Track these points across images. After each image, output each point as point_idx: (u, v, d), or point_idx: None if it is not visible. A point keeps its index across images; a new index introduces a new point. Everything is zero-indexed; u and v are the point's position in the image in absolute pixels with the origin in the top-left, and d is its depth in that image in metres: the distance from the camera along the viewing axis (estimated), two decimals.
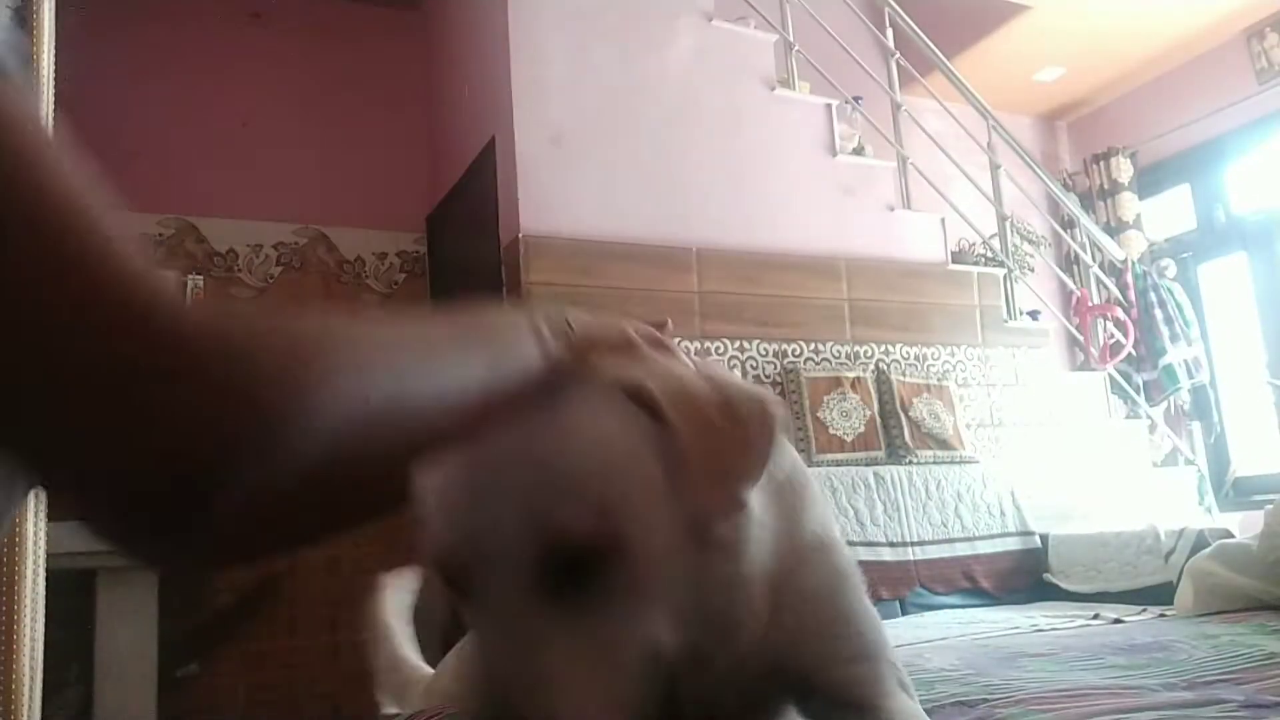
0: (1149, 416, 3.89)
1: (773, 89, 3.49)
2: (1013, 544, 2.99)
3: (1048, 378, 3.69)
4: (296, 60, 3.85)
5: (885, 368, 3.29)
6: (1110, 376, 3.83)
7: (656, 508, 0.58)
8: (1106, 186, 5.09)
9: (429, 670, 1.22)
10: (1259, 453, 4.48)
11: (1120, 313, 3.92)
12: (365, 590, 1.27)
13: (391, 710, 1.22)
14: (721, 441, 0.60)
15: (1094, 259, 4.26)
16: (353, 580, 1.78)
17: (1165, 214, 5.07)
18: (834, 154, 3.54)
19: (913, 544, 2.85)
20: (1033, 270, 4.24)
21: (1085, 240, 4.30)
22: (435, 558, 0.58)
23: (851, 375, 3.19)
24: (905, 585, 2.77)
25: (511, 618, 0.54)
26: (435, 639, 1.29)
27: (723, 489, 0.60)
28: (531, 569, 0.54)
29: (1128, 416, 3.89)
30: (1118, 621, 2.21)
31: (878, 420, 3.15)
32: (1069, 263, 4.83)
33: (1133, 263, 4.11)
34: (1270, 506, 1.93)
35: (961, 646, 1.85)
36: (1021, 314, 3.82)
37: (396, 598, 1.27)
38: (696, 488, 0.58)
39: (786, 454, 0.75)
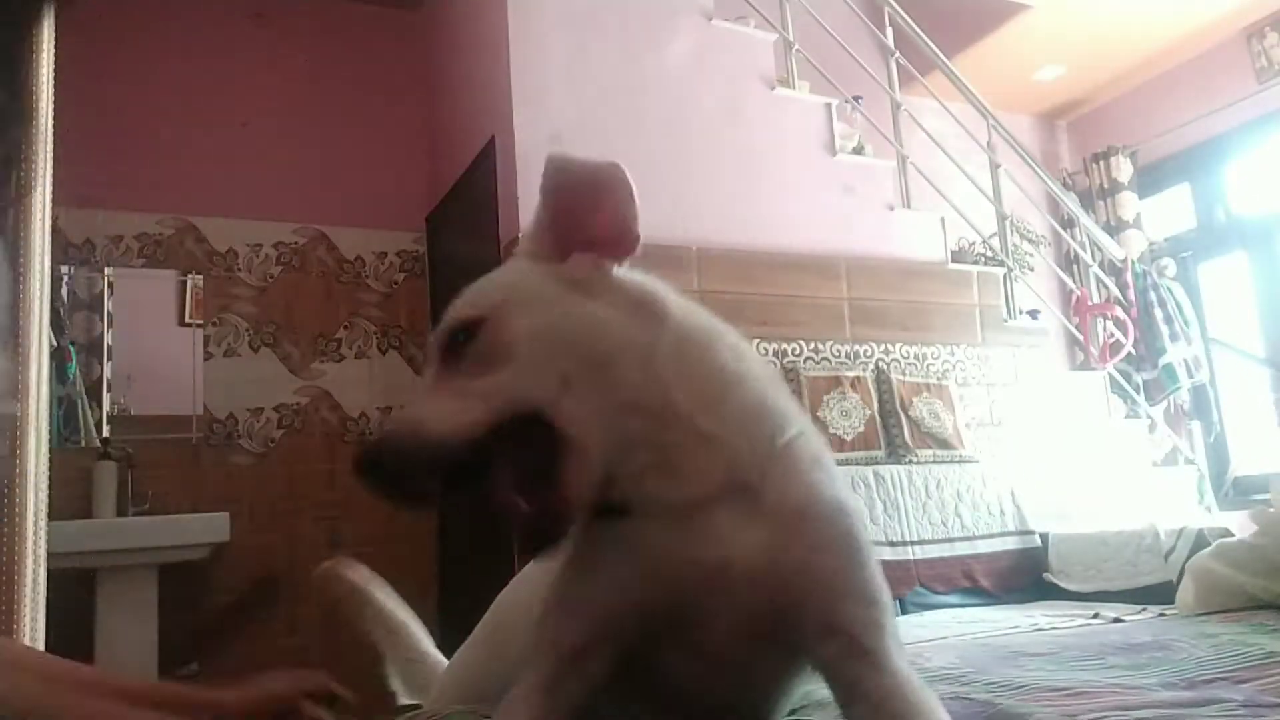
0: (1149, 416, 3.89)
1: (772, 88, 3.49)
2: (1012, 543, 3.00)
3: (1047, 377, 3.69)
4: (297, 60, 3.85)
5: (885, 367, 3.29)
6: (1110, 376, 3.83)
7: (519, 298, 0.82)
8: (1106, 186, 5.09)
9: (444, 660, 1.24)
10: (1259, 452, 4.48)
11: (1120, 312, 3.92)
12: (333, 581, 1.29)
13: (408, 701, 1.24)
14: (581, 205, 0.87)
15: (1094, 258, 4.26)
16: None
17: (1165, 213, 5.07)
18: (834, 153, 3.54)
19: (913, 543, 2.85)
20: (1032, 269, 4.24)
21: (1085, 239, 4.30)
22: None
23: (851, 374, 3.19)
24: (905, 584, 2.77)
25: (428, 380, 0.80)
26: None
27: (577, 234, 0.85)
28: (440, 350, 0.80)
29: (1127, 416, 3.89)
30: (1117, 620, 2.21)
31: (878, 419, 3.15)
32: (1069, 262, 4.83)
33: (1132, 262, 4.11)
34: (1253, 511, 1.94)
35: (961, 646, 1.85)
36: (1021, 313, 3.83)
37: (379, 588, 1.30)
38: (558, 242, 0.86)
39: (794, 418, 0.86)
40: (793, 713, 1.00)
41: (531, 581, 1.02)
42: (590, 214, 0.86)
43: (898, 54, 3.86)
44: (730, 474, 0.80)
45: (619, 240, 0.84)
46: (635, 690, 0.84)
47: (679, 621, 0.79)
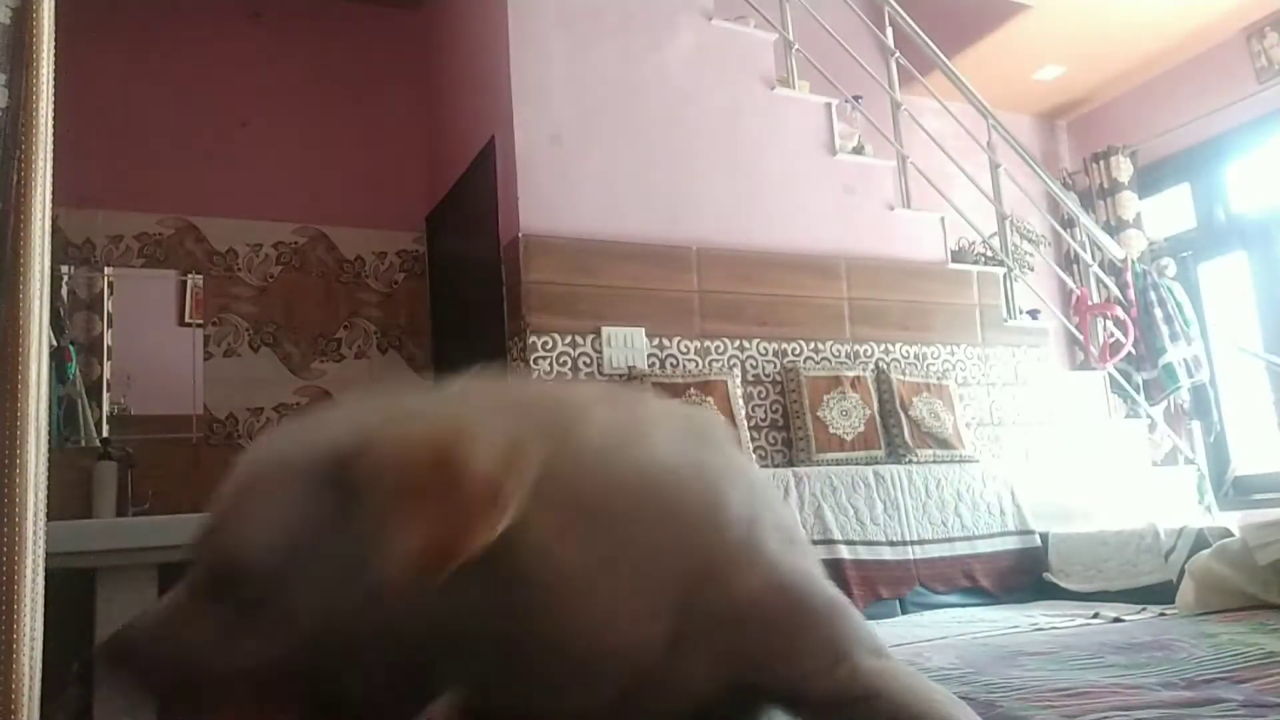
0: (1149, 415, 3.89)
1: (772, 88, 3.49)
2: (1012, 543, 2.99)
3: (1047, 377, 3.69)
4: (296, 60, 3.85)
5: (885, 367, 3.29)
6: (1110, 375, 3.83)
7: (298, 559, 0.69)
8: (1106, 185, 5.09)
9: None
10: (1259, 452, 4.48)
11: (1120, 312, 3.92)
12: None
13: None
14: (424, 516, 0.64)
15: (1094, 258, 4.26)
16: None
17: (1165, 213, 5.07)
18: (834, 153, 3.54)
19: (912, 543, 2.85)
20: (1032, 269, 4.23)
21: (1085, 239, 4.30)
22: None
23: (851, 374, 3.19)
24: (905, 584, 2.77)
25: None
26: None
27: (411, 560, 0.64)
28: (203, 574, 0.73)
29: (1127, 415, 3.89)
30: (1117, 620, 2.21)
31: (877, 419, 3.15)
32: (1069, 262, 4.83)
33: (1132, 262, 4.11)
34: (1243, 524, 1.94)
35: (961, 645, 1.85)
36: (1021, 313, 3.82)
37: None
38: (388, 556, 0.64)
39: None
40: None
41: None
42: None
43: (898, 54, 3.86)
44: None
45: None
46: None
47: None
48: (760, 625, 0.76)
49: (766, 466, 2.98)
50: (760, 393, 3.13)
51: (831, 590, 0.84)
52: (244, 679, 0.69)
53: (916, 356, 3.40)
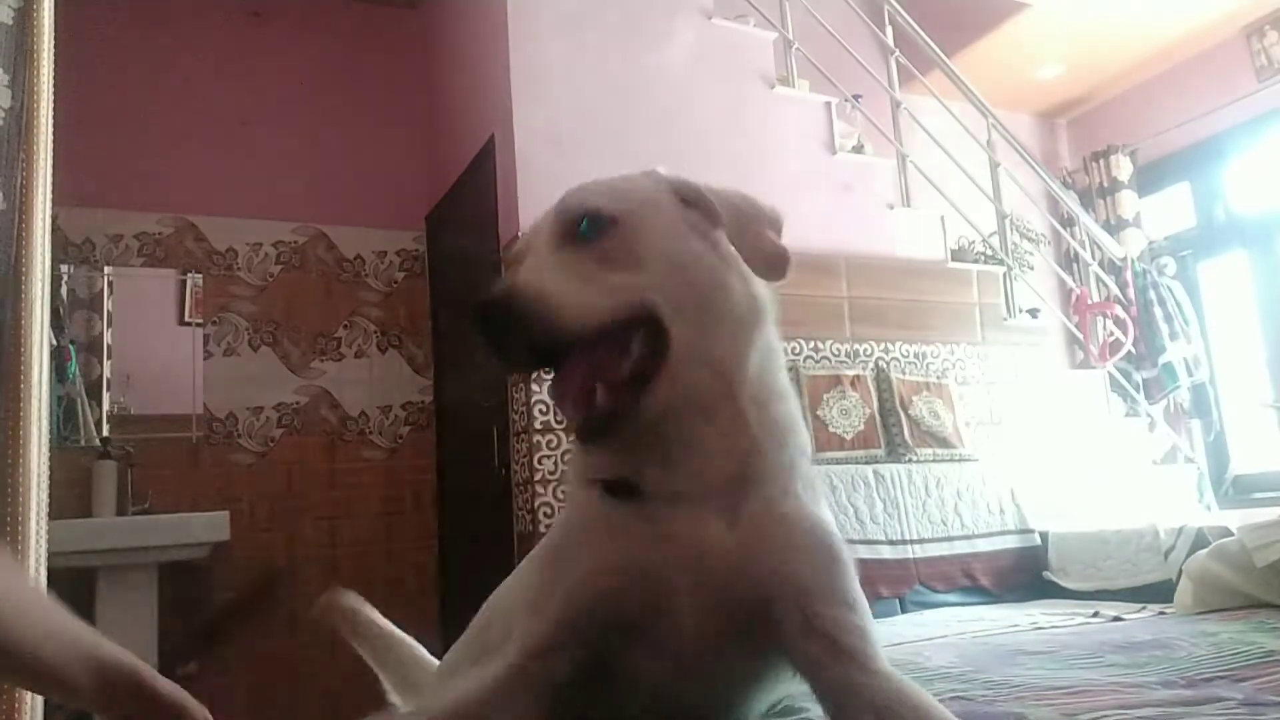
0: (1148, 414, 3.89)
1: (772, 87, 3.49)
2: (1012, 542, 2.99)
3: (1047, 375, 3.69)
4: (296, 59, 3.85)
5: (885, 366, 3.29)
6: (1110, 374, 3.83)
7: (652, 214, 0.86)
8: (1106, 184, 5.09)
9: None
10: (1258, 450, 4.48)
11: (1120, 311, 3.92)
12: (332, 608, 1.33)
13: (407, 709, 1.24)
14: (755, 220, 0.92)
15: (1093, 257, 4.26)
16: (352, 580, 1.79)
17: (1165, 212, 5.07)
18: (833, 152, 3.54)
19: (912, 542, 2.85)
20: (1032, 268, 4.24)
21: (1085, 238, 4.30)
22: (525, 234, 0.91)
23: (851, 373, 3.19)
24: (905, 583, 2.77)
25: (538, 253, 0.84)
26: None
27: (751, 236, 0.91)
28: (557, 227, 0.85)
29: (1127, 414, 3.89)
30: (1117, 619, 2.21)
31: (877, 418, 3.15)
32: (1068, 261, 4.83)
33: (1132, 261, 4.12)
34: (1242, 526, 1.94)
35: (961, 644, 1.86)
36: (1021, 312, 3.82)
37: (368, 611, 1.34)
38: (739, 237, 0.90)
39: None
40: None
41: (522, 578, 1.02)
42: (759, 227, 0.93)
43: (897, 52, 3.86)
44: (737, 476, 0.82)
45: (772, 261, 0.92)
46: (603, 691, 0.84)
47: (648, 615, 0.80)
48: (803, 551, 0.83)
49: None
50: None
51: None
52: (599, 327, 0.78)
53: (916, 355, 3.40)
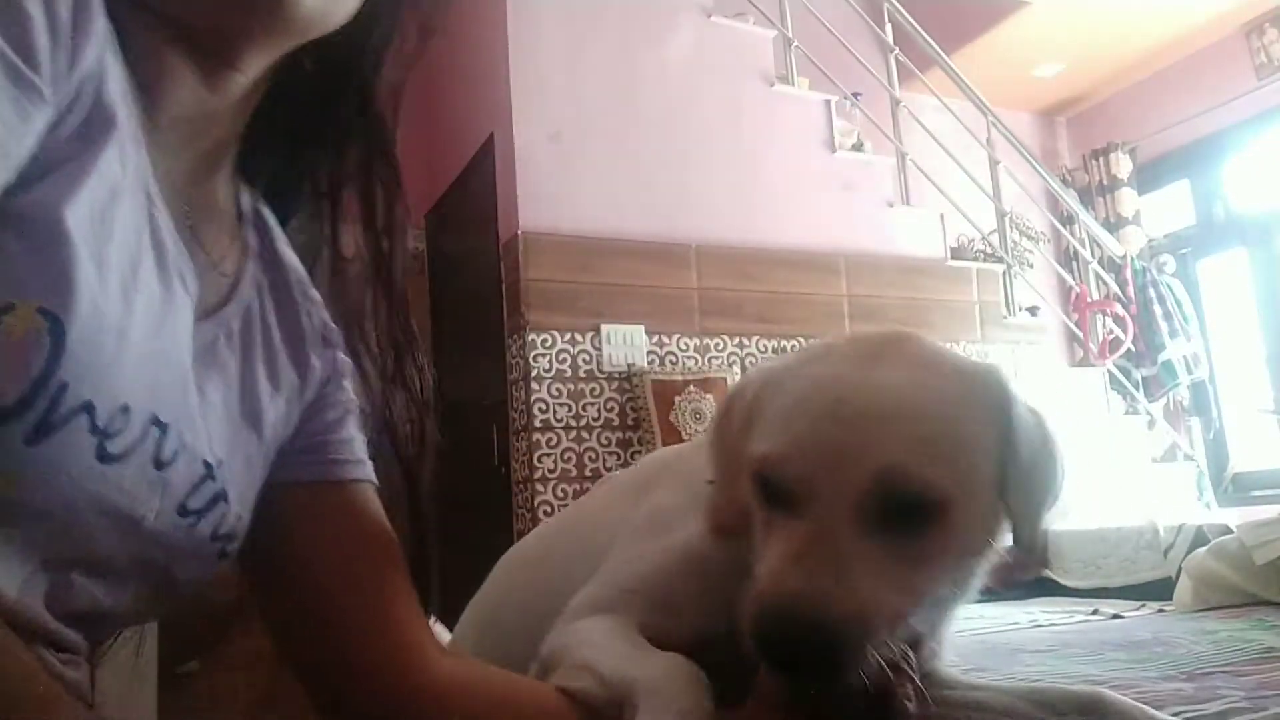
0: (1148, 412, 3.89)
1: (772, 85, 3.48)
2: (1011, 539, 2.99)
3: (1047, 373, 3.69)
4: None
5: None
6: (1109, 372, 3.83)
7: (980, 492, 0.66)
8: (1106, 182, 5.09)
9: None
10: (1258, 448, 4.48)
11: (1119, 308, 3.92)
12: None
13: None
14: (1034, 484, 0.70)
15: (1093, 255, 4.26)
16: None
17: (1164, 210, 5.07)
18: (833, 150, 3.53)
19: None
20: (1032, 266, 4.24)
21: (1084, 236, 4.30)
22: (769, 460, 0.66)
23: None
24: None
25: (834, 532, 0.61)
26: None
27: (1026, 523, 0.71)
28: (869, 500, 0.61)
29: (1127, 412, 3.89)
30: (1117, 617, 2.21)
31: None
32: (1068, 259, 4.83)
33: (1132, 259, 4.12)
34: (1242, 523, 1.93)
35: (960, 642, 1.85)
36: (1021, 310, 3.82)
37: None
38: (1016, 508, 0.69)
39: None
40: None
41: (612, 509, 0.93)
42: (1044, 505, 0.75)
43: (897, 50, 3.86)
44: None
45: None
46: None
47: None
48: None
49: None
50: None
51: None
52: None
53: None
